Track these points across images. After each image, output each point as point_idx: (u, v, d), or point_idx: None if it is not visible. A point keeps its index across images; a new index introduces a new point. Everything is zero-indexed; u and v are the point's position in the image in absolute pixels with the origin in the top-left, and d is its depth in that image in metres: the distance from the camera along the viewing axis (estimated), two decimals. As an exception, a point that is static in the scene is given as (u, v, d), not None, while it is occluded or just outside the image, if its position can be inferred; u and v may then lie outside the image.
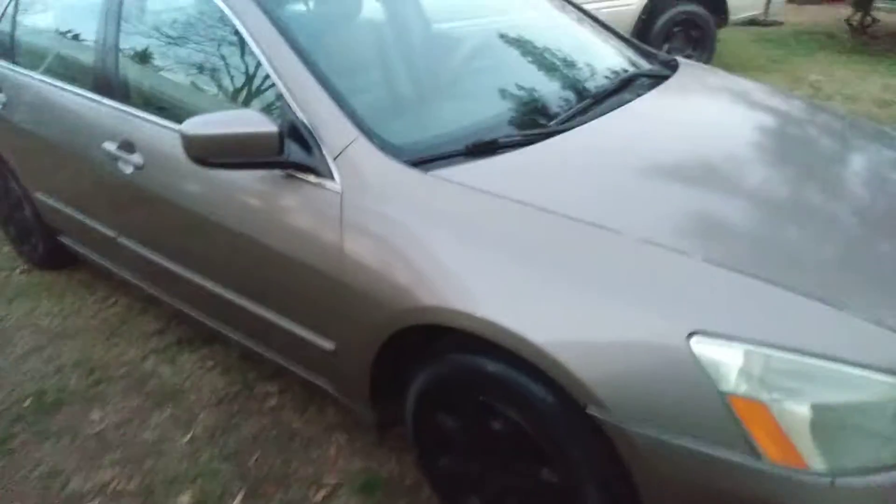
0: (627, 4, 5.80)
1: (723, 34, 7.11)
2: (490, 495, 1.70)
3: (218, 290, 2.14)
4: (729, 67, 5.58)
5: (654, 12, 5.89)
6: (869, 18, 7.30)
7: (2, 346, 2.80)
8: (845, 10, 7.67)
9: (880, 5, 6.98)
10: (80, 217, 2.68)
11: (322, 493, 2.01)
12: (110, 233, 2.54)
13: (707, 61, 5.85)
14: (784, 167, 1.82)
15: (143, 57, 2.30)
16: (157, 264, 2.36)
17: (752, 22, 6.49)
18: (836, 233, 1.55)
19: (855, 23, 7.42)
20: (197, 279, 2.21)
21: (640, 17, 5.88)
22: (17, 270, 3.41)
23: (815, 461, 1.20)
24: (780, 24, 6.65)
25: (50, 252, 3.19)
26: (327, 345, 1.85)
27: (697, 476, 1.25)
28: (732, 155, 1.83)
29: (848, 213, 1.64)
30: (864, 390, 1.22)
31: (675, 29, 5.98)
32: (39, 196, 2.91)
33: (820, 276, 1.39)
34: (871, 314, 1.29)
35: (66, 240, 3.00)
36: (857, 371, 1.22)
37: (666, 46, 5.87)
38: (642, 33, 5.86)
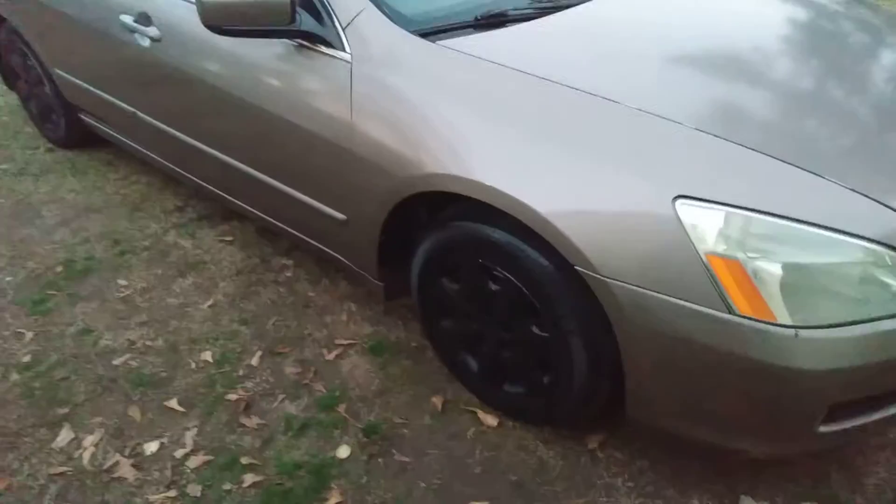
0: None
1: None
2: (485, 352, 1.85)
3: (234, 163, 2.23)
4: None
5: None
6: None
7: (31, 219, 2.94)
8: None
9: None
10: (98, 93, 2.75)
11: (334, 352, 2.18)
12: (129, 108, 2.61)
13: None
14: (792, 53, 1.83)
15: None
16: (175, 139, 2.45)
17: None
18: (826, 113, 1.59)
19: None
20: (213, 153, 2.30)
21: None
22: (41, 149, 3.51)
23: (782, 315, 1.30)
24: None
25: (71, 130, 3.28)
26: (339, 215, 1.95)
27: (673, 327, 1.37)
28: (742, 38, 1.84)
29: (843, 95, 1.67)
30: (832, 253, 1.31)
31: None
32: (59, 72, 2.96)
33: (810, 148, 1.45)
34: (852, 184, 1.36)
35: (86, 117, 3.08)
36: (828, 234, 1.30)
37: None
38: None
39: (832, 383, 1.34)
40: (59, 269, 2.62)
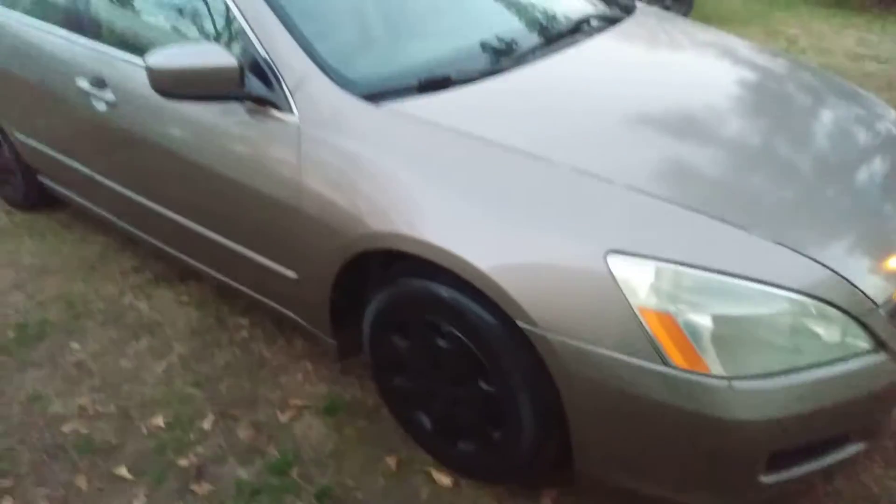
0: (608, -46, 5.78)
1: (706, -13, 7.12)
2: (437, 410, 1.84)
3: (189, 224, 2.24)
4: (707, 19, 5.63)
5: (635, -37, 5.88)
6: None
7: (-15, 283, 2.90)
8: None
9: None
10: (57, 156, 2.76)
11: (288, 414, 2.16)
12: (87, 171, 2.62)
13: (686, 14, 5.87)
14: (734, 112, 1.91)
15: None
16: (132, 200, 2.46)
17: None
18: (764, 170, 1.65)
19: (839, -24, 7.41)
20: (169, 214, 2.31)
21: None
22: (-1, 212, 3.49)
23: (715, 366, 1.33)
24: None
25: (30, 192, 3.27)
26: (290, 274, 1.96)
27: (611, 380, 1.39)
28: (684, 97, 1.93)
29: (782, 153, 1.74)
30: (760, 304, 1.35)
31: (656, -20, 5.97)
32: (18, 136, 2.97)
33: (743, 204, 1.51)
34: (783, 237, 1.42)
35: (44, 179, 3.08)
36: (755, 286, 1.35)
37: (646, -2, 5.87)
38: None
39: (769, 432, 1.37)
40: (11, 333, 2.58)
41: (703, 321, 1.34)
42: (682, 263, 1.36)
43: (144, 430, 2.12)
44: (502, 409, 1.64)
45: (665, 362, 1.34)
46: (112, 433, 2.11)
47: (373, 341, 1.90)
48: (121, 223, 2.72)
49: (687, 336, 1.34)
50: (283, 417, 2.14)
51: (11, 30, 2.74)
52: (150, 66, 1.75)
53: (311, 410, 2.17)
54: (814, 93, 2.12)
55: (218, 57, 1.75)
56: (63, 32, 2.47)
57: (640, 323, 1.35)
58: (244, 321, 2.58)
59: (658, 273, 1.36)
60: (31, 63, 2.65)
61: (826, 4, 7.01)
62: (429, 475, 1.91)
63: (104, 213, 2.79)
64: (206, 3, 2.01)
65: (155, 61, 1.75)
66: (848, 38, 5.84)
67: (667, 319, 1.34)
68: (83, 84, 2.35)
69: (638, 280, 1.36)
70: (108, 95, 2.27)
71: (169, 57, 1.76)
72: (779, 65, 2.29)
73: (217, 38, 2.01)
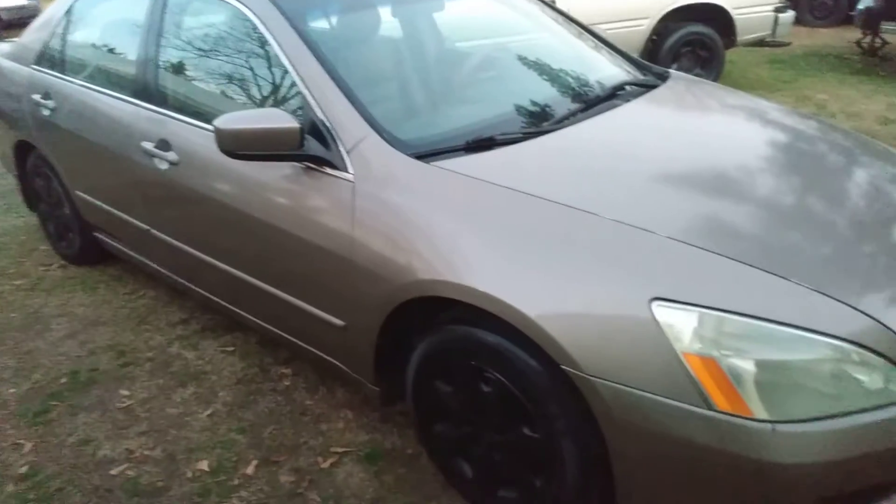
0: (638, 25, 6.01)
1: (734, 56, 7.30)
2: (478, 457, 1.87)
3: (241, 275, 2.35)
4: (736, 86, 5.76)
5: (663, 33, 6.10)
6: (879, 41, 7.43)
7: (40, 332, 3.03)
8: (855, 33, 7.82)
9: (887, 27, 7.12)
10: (116, 212, 2.92)
11: (330, 461, 2.20)
12: (144, 226, 2.77)
13: (714, 81, 6.02)
14: (770, 171, 1.97)
15: (180, 66, 2.54)
16: (186, 254, 2.58)
17: (760, 43, 6.65)
18: (803, 225, 1.70)
19: (865, 45, 7.56)
20: (222, 266, 2.42)
21: (650, 37, 6.09)
22: (55, 266, 3.65)
23: (758, 410, 1.36)
24: (788, 44, 6.81)
25: (85, 248, 3.44)
26: (338, 321, 2.04)
27: (655, 423, 1.42)
28: (721, 157, 2.01)
29: (819, 210, 1.80)
30: (802, 350, 1.39)
31: (684, 49, 6.17)
32: (80, 194, 3.15)
33: (783, 256, 1.56)
34: (823, 288, 1.46)
35: (101, 235, 3.24)
36: (798, 332, 1.39)
37: (675, 66, 6.06)
38: (652, 53, 6.06)
39: (812, 477, 1.38)
40: (64, 380, 2.68)
41: (746, 366, 1.38)
42: (724, 310, 1.41)
43: (189, 474, 2.17)
44: (545, 456, 1.67)
45: (709, 406, 1.38)
46: (159, 476, 2.17)
47: (416, 387, 1.96)
48: (172, 276, 2.84)
49: (731, 380, 1.37)
50: (325, 464, 2.18)
51: (80, 97, 2.94)
52: (219, 128, 1.89)
53: (351, 457, 2.20)
54: (846, 152, 2.19)
55: (280, 120, 1.89)
56: (130, 99, 2.66)
57: (685, 368, 1.39)
58: (287, 371, 2.65)
59: (701, 319, 1.41)
60: (96, 127, 2.84)
61: (853, 72, 7.13)
62: (470, 524, 1.93)
63: (156, 266, 2.92)
64: (271, 73, 2.17)
65: (223, 123, 1.89)
66: (877, 102, 5.92)
67: (711, 364, 1.38)
68: (148, 146, 2.52)
69: (682, 326, 1.41)
70: (172, 156, 2.42)
71: (236, 120, 1.90)
72: (810, 126, 2.37)
73: (278, 104, 2.16)
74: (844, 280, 1.53)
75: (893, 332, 1.44)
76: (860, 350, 1.40)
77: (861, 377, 1.41)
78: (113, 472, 2.20)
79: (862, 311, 1.45)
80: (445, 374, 1.86)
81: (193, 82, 2.50)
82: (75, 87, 2.98)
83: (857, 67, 7.34)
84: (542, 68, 2.51)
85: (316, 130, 1.97)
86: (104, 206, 3.00)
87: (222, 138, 1.89)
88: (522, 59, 2.54)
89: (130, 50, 2.72)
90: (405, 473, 2.13)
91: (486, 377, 1.74)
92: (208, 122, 2.25)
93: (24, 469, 2.22)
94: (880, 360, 1.41)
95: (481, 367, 1.73)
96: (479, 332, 1.71)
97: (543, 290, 1.55)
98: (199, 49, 2.48)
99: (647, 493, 1.54)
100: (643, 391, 1.43)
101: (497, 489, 1.86)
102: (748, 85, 6.60)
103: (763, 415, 1.36)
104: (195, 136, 2.36)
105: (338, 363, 2.19)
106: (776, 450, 1.35)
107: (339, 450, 2.23)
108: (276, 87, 2.17)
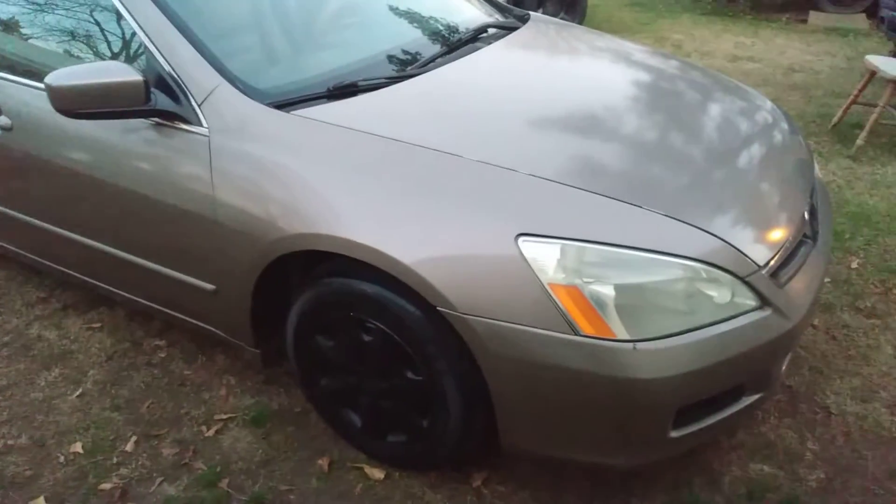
0: (502, -30, 6.02)
1: (596, 0, 7.51)
2: (365, 406, 1.88)
3: (100, 247, 2.19)
4: (600, 29, 5.92)
5: (528, -22, 6.14)
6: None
7: None
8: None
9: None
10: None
11: (214, 428, 2.13)
12: (-19, 201, 2.51)
13: (580, 24, 6.17)
14: (631, 109, 2.04)
15: (9, 21, 2.28)
16: (36, 228, 2.37)
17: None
18: (660, 157, 1.79)
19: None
20: (77, 238, 2.24)
21: (514, -17, 6.12)
22: None
23: (620, 331, 1.45)
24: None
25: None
26: (208, 286, 1.96)
27: (528, 352, 1.48)
28: (583, 94, 2.06)
29: (677, 143, 1.89)
30: (656, 272, 1.48)
31: (549, -6, 6.27)
32: None
33: (639, 186, 1.63)
34: (675, 213, 1.55)
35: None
36: (650, 256, 1.47)
37: (540, 11, 6.14)
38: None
39: (673, 389, 1.49)
40: None
41: (607, 291, 1.45)
42: (584, 241, 1.47)
43: (62, 458, 2.05)
44: (429, 397, 1.70)
45: (575, 332, 1.44)
46: (27, 465, 2.03)
47: (297, 345, 1.92)
48: (24, 253, 2.61)
49: (593, 306, 1.44)
50: (209, 432, 2.12)
51: None
52: (52, 86, 1.72)
53: (237, 422, 2.15)
54: (702, 89, 2.31)
55: (120, 73, 1.74)
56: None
57: (551, 297, 1.44)
58: (161, 342, 2.53)
59: (563, 251, 1.46)
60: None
61: (704, 13, 7.53)
62: (361, 471, 1.95)
63: (4, 244, 2.67)
64: (109, 22, 2.00)
65: (55, 80, 1.72)
66: (726, 42, 6.31)
67: (574, 292, 1.44)
68: (-27, 110, 2.26)
69: (546, 258, 1.46)
70: (4, 120, 2.19)
71: (70, 75, 1.74)
72: (670, 65, 2.48)
73: (118, 56, 1.99)
74: (696, 205, 1.64)
75: (738, 249, 1.55)
76: (709, 268, 1.51)
77: (711, 293, 1.52)
78: (-28, 467, 2.04)
79: (710, 233, 1.55)
80: (325, 328, 1.84)
81: (24, 39, 2.26)
82: None
83: (708, 8, 7.76)
84: (402, 13, 2.46)
85: (163, 83, 1.84)
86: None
87: (56, 96, 1.73)
88: (383, 3, 2.48)
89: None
90: (294, 431, 2.11)
91: (367, 327, 1.73)
92: (41, 80, 2.04)
93: None
94: (727, 276, 1.52)
95: (361, 318, 1.73)
96: (355, 282, 1.69)
97: (416, 236, 1.55)
98: (29, 1, 2.23)
99: (526, 423, 1.61)
100: (515, 324, 1.47)
101: (386, 435, 1.89)
102: (611, 28, 6.82)
103: (625, 335, 1.44)
104: (29, 98, 2.14)
105: (214, 329, 2.11)
106: (639, 367, 1.44)
107: (224, 416, 2.18)
108: (115, 41, 2.00)
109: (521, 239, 1.47)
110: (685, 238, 1.53)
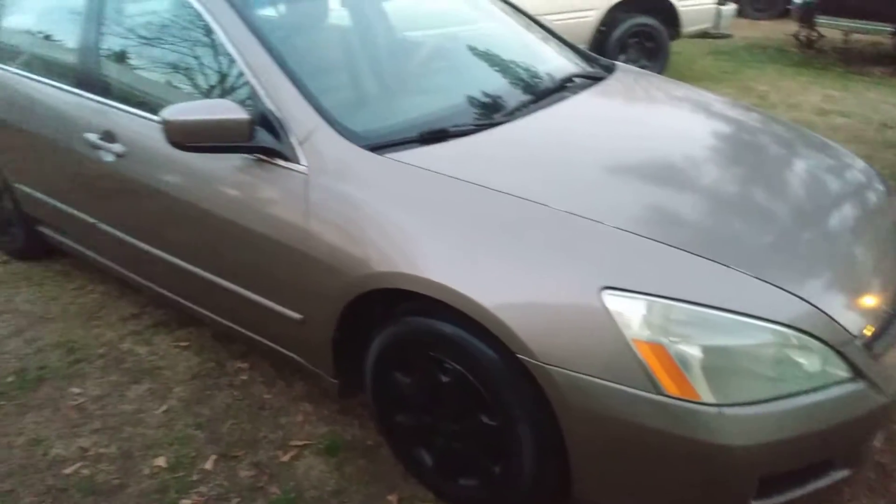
0: (585, 17, 6.08)
1: (678, 47, 7.45)
2: (438, 446, 1.91)
3: (193, 270, 2.32)
4: (681, 77, 5.89)
5: (610, 24, 6.19)
6: (815, 34, 7.69)
7: (-17, 330, 2.93)
8: (793, 26, 8.08)
9: (822, 21, 7.37)
10: (60, 205, 2.83)
11: (290, 454, 2.20)
12: (90, 219, 2.70)
13: (660, 72, 6.15)
14: (716, 162, 2.05)
15: (123, 55, 2.47)
16: (135, 248, 2.53)
17: (704, 35, 6.83)
18: (746, 215, 1.77)
19: (802, 38, 7.82)
20: (173, 261, 2.38)
21: (597, 29, 6.17)
22: (-5, 261, 3.53)
23: (706, 394, 1.43)
24: (730, 36, 7.01)
25: (29, 243, 3.33)
26: (295, 315, 2.04)
27: (607, 407, 1.48)
28: (668, 148, 2.07)
29: (762, 200, 1.87)
30: (745, 336, 1.46)
31: (631, 40, 6.28)
32: (21, 187, 3.05)
33: (727, 244, 1.62)
34: (764, 275, 1.53)
35: (45, 229, 3.14)
36: (741, 319, 1.45)
37: (622, 58, 6.16)
38: (600, 44, 6.15)
39: (757, 457, 1.45)
40: (11, 378, 2.60)
41: (693, 351, 1.44)
42: (671, 298, 1.46)
43: (147, 471, 2.15)
44: (503, 443, 1.71)
45: (658, 391, 1.44)
46: (115, 474, 2.14)
47: (375, 379, 1.97)
48: (122, 271, 2.78)
49: (678, 366, 1.43)
50: (285, 457, 2.18)
51: (18, 87, 2.84)
52: (167, 120, 1.86)
53: (311, 450, 2.21)
54: (786, 144, 2.28)
55: (230, 111, 1.87)
56: (71, 89, 2.58)
57: (635, 354, 1.44)
58: (243, 365, 2.63)
59: (650, 307, 1.46)
60: (37, 117, 2.74)
61: (792, 64, 7.37)
62: (430, 511, 1.96)
63: (105, 261, 2.85)
64: (219, 63, 2.14)
65: (171, 115, 1.86)
66: (814, 94, 6.15)
67: (659, 350, 1.44)
68: (92, 137, 2.45)
69: (631, 314, 1.46)
70: (118, 147, 2.37)
71: (184, 111, 1.87)
72: (752, 118, 2.46)
73: (227, 95, 2.12)
74: (784, 267, 1.61)
75: (829, 316, 1.52)
76: (799, 334, 1.48)
77: (801, 360, 1.49)
78: (66, 471, 2.16)
79: (800, 297, 1.52)
80: (403, 366, 1.89)
81: (138, 71, 2.45)
82: (11, 75, 2.88)
83: (795, 59, 7.59)
84: (492, 59, 2.54)
85: (266, 121, 1.96)
86: (47, 199, 2.91)
87: (171, 130, 1.86)
88: (472, 50, 2.56)
89: (69, 37, 2.64)
90: (365, 464, 2.15)
91: (444, 367, 1.76)
92: (154, 112, 2.20)
93: (-30, 472, 2.16)
94: (818, 344, 1.49)
95: (439, 358, 1.76)
96: (435, 322, 1.73)
97: (498, 281, 1.59)
98: (143, 37, 2.42)
99: (601, 476, 1.60)
100: (595, 377, 1.48)
101: (457, 477, 1.90)
102: (693, 76, 6.77)
103: (710, 398, 1.42)
104: (141, 128, 2.31)
105: (296, 356, 2.19)
106: (722, 432, 1.42)
107: (299, 443, 2.24)
108: (223, 77, 2.14)
109: (606, 292, 1.48)
110: (774, 301, 1.51)
